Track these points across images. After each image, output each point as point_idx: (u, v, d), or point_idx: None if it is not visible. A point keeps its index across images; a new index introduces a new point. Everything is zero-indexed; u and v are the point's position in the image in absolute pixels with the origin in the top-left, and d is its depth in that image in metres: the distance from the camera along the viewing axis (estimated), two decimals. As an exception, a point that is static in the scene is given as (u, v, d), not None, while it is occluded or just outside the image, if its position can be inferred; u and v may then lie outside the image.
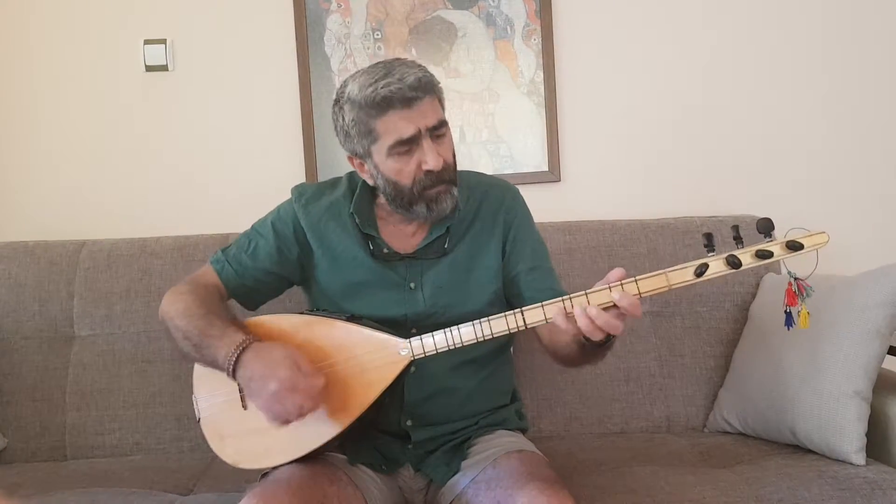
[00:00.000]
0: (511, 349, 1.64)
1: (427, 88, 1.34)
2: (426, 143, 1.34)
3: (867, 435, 1.53)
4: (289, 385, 1.20)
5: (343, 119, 1.38)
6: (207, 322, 1.34)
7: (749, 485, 1.46)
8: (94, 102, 2.21)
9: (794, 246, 1.11)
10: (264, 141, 2.22)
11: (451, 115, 2.20)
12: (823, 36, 2.22)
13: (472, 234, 1.48)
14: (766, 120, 2.22)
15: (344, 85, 1.39)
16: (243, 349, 1.26)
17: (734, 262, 1.13)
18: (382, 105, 1.32)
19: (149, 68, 2.19)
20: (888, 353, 1.58)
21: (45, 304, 1.94)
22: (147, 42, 2.18)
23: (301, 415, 1.22)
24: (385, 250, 1.44)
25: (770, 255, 1.12)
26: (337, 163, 2.18)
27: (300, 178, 2.18)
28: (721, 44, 2.22)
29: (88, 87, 2.20)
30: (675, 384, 1.90)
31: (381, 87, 1.31)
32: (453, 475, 1.38)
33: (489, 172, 2.19)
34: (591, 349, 1.26)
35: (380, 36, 2.20)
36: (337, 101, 1.40)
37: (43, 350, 1.92)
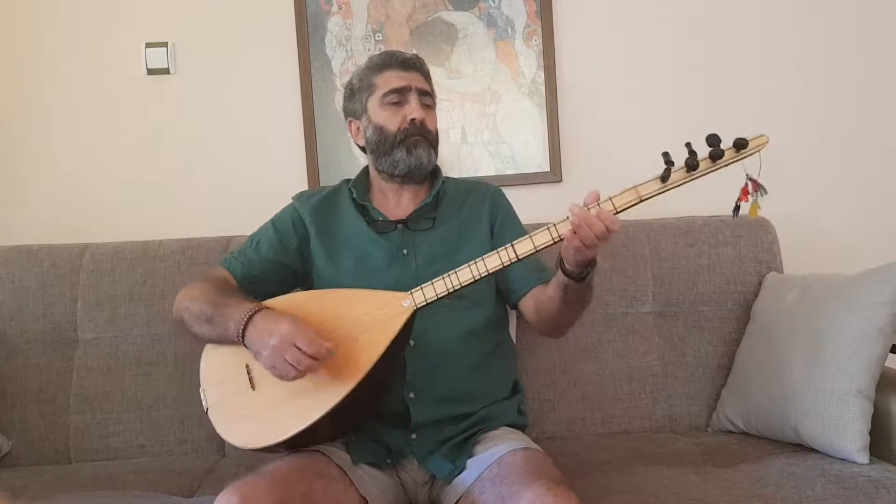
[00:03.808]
0: (510, 333, 1.70)
1: (421, 67, 1.60)
2: (413, 99, 1.56)
3: (870, 433, 1.53)
4: (288, 339, 1.27)
5: (350, 81, 1.62)
6: (222, 296, 1.44)
7: (752, 484, 1.46)
8: (96, 106, 2.21)
9: (739, 143, 1.25)
10: (266, 143, 2.22)
11: (452, 116, 2.22)
12: (823, 34, 2.22)
13: (461, 215, 1.61)
14: (766, 120, 2.21)
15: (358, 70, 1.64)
16: (254, 312, 1.34)
17: (692, 165, 1.27)
18: (384, 62, 1.58)
19: (150, 71, 2.20)
20: (891, 351, 1.58)
21: (48, 307, 1.94)
22: (148, 45, 2.18)
23: (300, 369, 1.27)
24: (380, 219, 1.57)
25: (721, 154, 1.25)
26: (338, 165, 2.18)
27: (302, 179, 2.19)
28: (721, 44, 2.22)
29: (90, 90, 2.21)
30: (677, 384, 1.90)
31: (385, 54, 1.61)
32: (458, 474, 1.39)
33: (491, 173, 2.21)
34: (575, 291, 1.35)
35: (381, 38, 2.20)
36: (349, 79, 1.64)
37: (47, 353, 1.93)
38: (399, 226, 1.56)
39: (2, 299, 1.94)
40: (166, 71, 2.20)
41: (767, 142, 1.26)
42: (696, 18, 2.22)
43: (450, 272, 1.34)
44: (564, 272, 1.33)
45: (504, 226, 1.62)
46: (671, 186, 1.28)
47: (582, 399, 1.89)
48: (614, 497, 1.44)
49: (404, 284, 1.45)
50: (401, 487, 1.45)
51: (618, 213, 1.28)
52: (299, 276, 1.62)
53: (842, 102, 2.22)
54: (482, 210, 1.63)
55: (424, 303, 1.34)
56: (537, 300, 1.50)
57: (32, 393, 1.90)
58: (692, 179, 1.29)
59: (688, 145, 1.26)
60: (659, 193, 1.29)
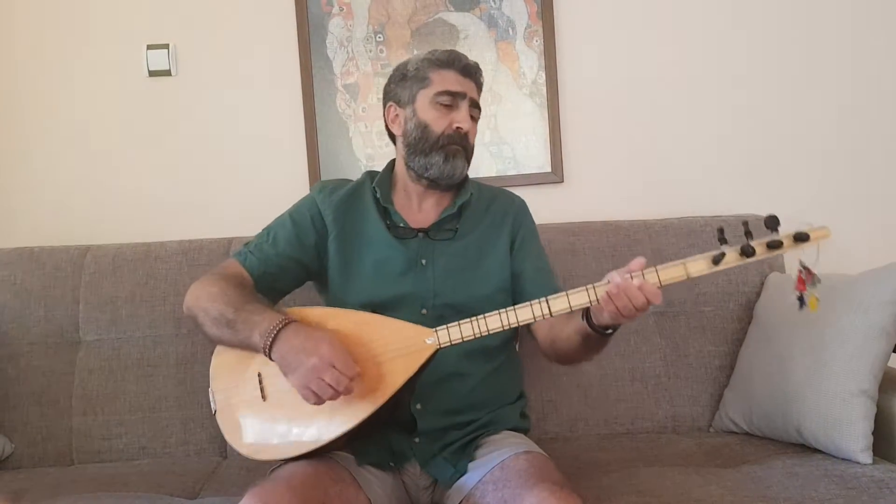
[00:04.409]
0: (517, 346, 1.66)
1: (478, 78, 1.58)
2: (464, 107, 1.53)
3: (873, 433, 1.53)
4: (328, 361, 1.24)
5: (406, 66, 1.57)
6: (244, 300, 1.39)
7: (755, 484, 1.46)
8: (98, 107, 2.21)
9: (800, 237, 1.21)
10: (267, 144, 2.22)
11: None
12: (825, 36, 2.22)
13: (482, 227, 1.58)
14: (768, 120, 2.22)
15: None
16: (284, 325, 1.30)
17: (748, 251, 1.22)
18: (447, 60, 1.53)
19: (152, 73, 2.20)
20: (894, 350, 1.58)
21: (50, 309, 1.94)
22: (150, 47, 2.19)
23: (335, 393, 1.24)
24: (401, 224, 1.53)
25: (780, 244, 1.21)
26: (339, 166, 2.18)
27: (303, 181, 2.19)
28: (723, 44, 2.22)
29: (92, 91, 2.21)
30: (680, 384, 1.90)
31: (449, 52, 1.56)
32: (460, 477, 1.38)
33: (492, 174, 2.21)
34: (595, 341, 1.32)
35: (382, 39, 2.20)
36: (404, 61, 1.59)
37: (49, 355, 1.93)
38: (419, 234, 1.53)
39: (4, 301, 1.94)
40: (168, 73, 2.20)
41: (829, 235, 1.22)
42: (697, 18, 2.22)
43: (479, 317, 1.30)
44: (590, 324, 1.30)
45: (524, 244, 1.60)
46: (722, 268, 1.23)
47: (584, 400, 1.89)
48: (616, 498, 1.44)
49: (420, 293, 1.47)
50: (403, 490, 1.44)
51: (662, 287, 1.23)
52: (313, 272, 1.58)
53: (843, 103, 2.22)
54: (504, 224, 1.60)
55: (448, 344, 1.31)
56: (553, 331, 1.45)
57: (34, 395, 1.90)
58: (745, 263, 1.24)
59: (745, 224, 1.23)
60: (707, 273, 1.24)
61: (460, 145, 1.53)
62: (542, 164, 2.21)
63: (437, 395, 1.45)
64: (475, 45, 2.20)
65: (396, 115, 1.58)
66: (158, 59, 2.19)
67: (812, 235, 1.21)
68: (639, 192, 2.21)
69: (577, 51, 2.21)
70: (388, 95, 1.60)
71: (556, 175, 2.20)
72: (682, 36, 2.22)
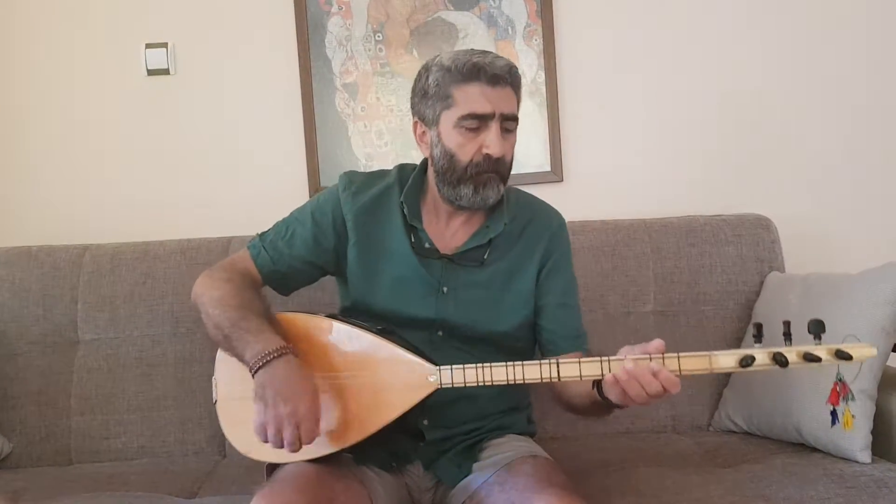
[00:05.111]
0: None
1: (514, 80, 1.37)
2: (494, 128, 1.35)
3: (872, 433, 1.53)
4: (297, 419, 1.19)
5: (426, 80, 1.38)
6: (241, 315, 1.32)
7: (755, 483, 1.46)
8: (96, 106, 2.21)
9: (842, 355, 1.11)
10: (266, 144, 2.22)
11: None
12: (824, 35, 2.21)
13: (512, 254, 1.46)
14: (768, 118, 2.22)
15: (436, 56, 1.40)
16: (278, 356, 1.24)
17: (781, 361, 1.12)
18: (470, 73, 1.33)
19: (150, 72, 2.19)
20: (893, 350, 1.58)
21: (48, 308, 1.94)
22: (148, 46, 2.18)
23: (282, 446, 1.20)
24: (427, 245, 1.43)
25: (818, 359, 1.12)
26: (338, 165, 2.17)
27: (302, 180, 2.18)
28: (723, 43, 2.21)
29: (90, 90, 2.20)
30: (680, 383, 1.89)
31: (476, 57, 1.34)
32: (464, 477, 1.37)
33: (491, 173, 2.19)
34: (604, 409, 1.27)
35: (381, 38, 2.20)
36: (426, 67, 1.40)
37: (47, 355, 1.92)
38: (444, 258, 1.43)
39: (2, 301, 1.93)
40: (166, 72, 2.19)
41: (874, 354, 1.12)
42: (697, 18, 2.21)
43: (486, 365, 1.22)
44: (601, 394, 1.23)
45: (550, 275, 1.48)
46: (750, 370, 1.15)
47: (584, 399, 1.89)
48: (616, 497, 1.44)
49: (438, 320, 1.42)
50: (406, 491, 1.43)
51: (681, 375, 1.14)
52: (330, 272, 1.52)
53: (843, 102, 2.22)
54: (535, 252, 1.47)
55: (450, 385, 1.25)
56: (564, 385, 1.37)
57: (33, 394, 1.89)
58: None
59: (786, 325, 1.14)
60: (733, 371, 1.16)
61: (493, 171, 1.37)
62: (541, 162, 2.21)
63: (446, 413, 1.42)
64: (474, 44, 2.19)
65: (423, 133, 1.43)
66: (157, 58, 2.18)
67: (855, 355, 1.11)
68: (638, 190, 2.21)
69: (576, 50, 2.21)
70: (414, 110, 1.44)
71: (555, 174, 2.20)
72: (683, 35, 2.22)
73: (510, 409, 1.51)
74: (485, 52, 1.38)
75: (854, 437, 1.51)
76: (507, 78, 1.36)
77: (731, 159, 2.22)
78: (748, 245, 1.96)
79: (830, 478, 1.46)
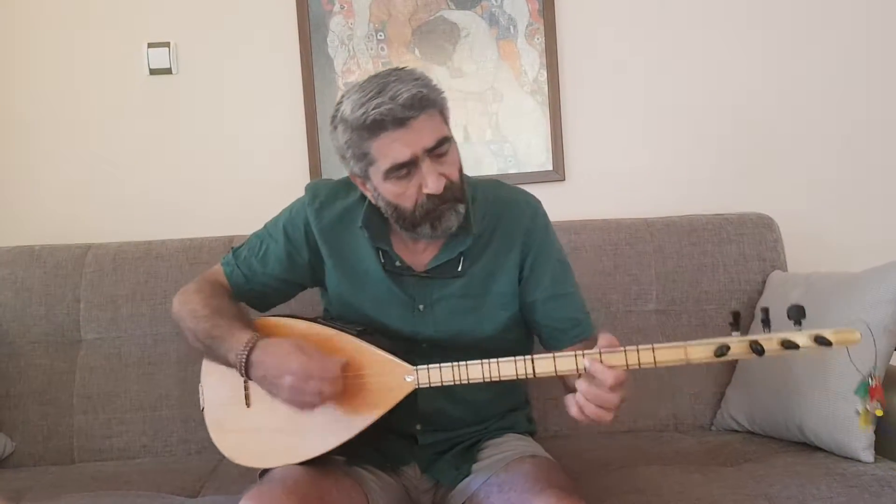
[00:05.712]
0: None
1: (423, 105, 1.24)
2: (426, 166, 1.25)
3: (875, 432, 1.52)
4: (302, 375, 1.20)
5: (339, 140, 1.31)
6: (212, 323, 1.33)
7: (757, 483, 1.46)
8: (99, 106, 2.21)
9: (821, 341, 1.08)
10: (268, 143, 2.22)
11: (454, 115, 2.18)
12: (825, 36, 2.21)
13: (487, 255, 1.41)
14: (769, 118, 2.22)
15: (339, 103, 1.30)
16: (251, 349, 1.25)
17: (757, 349, 1.10)
18: (374, 127, 1.23)
19: (152, 71, 2.19)
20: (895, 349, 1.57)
21: (51, 308, 1.94)
22: (151, 45, 2.18)
23: (323, 398, 1.22)
24: (397, 263, 1.39)
25: (796, 346, 1.09)
26: (340, 165, 2.16)
27: (304, 179, 2.18)
28: (724, 43, 2.21)
29: (92, 90, 2.21)
30: (681, 382, 1.89)
31: (372, 109, 1.22)
32: (463, 478, 1.37)
33: (493, 172, 2.20)
34: None
35: (383, 37, 2.20)
36: (333, 119, 1.32)
37: (49, 354, 1.93)
38: (416, 276, 1.39)
39: (4, 300, 1.94)
40: (168, 71, 2.20)
41: (858, 340, 1.08)
42: (700, 17, 2.21)
43: (462, 363, 1.21)
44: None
45: (534, 270, 1.42)
46: (726, 359, 1.14)
47: (586, 398, 1.88)
48: (618, 496, 1.44)
49: (419, 336, 1.39)
50: (404, 491, 1.42)
51: (657, 366, 1.14)
52: (308, 285, 1.50)
53: (844, 102, 2.21)
54: (513, 248, 1.41)
55: (428, 385, 1.24)
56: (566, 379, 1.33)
57: (35, 393, 1.90)
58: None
59: (764, 311, 1.12)
60: (709, 361, 1.14)
61: (443, 202, 1.28)
62: (543, 161, 2.21)
63: (440, 418, 1.41)
64: (476, 43, 2.20)
65: (363, 184, 1.35)
66: (159, 58, 2.19)
67: (835, 340, 1.07)
68: (640, 189, 2.21)
69: (578, 48, 2.21)
70: (343, 163, 1.36)
71: (557, 173, 2.20)
72: (684, 35, 2.21)
73: (509, 411, 1.51)
74: (382, 90, 1.23)
75: (857, 436, 1.51)
76: (415, 108, 1.23)
77: (733, 158, 2.21)
78: (750, 244, 1.95)
79: (833, 477, 1.45)
